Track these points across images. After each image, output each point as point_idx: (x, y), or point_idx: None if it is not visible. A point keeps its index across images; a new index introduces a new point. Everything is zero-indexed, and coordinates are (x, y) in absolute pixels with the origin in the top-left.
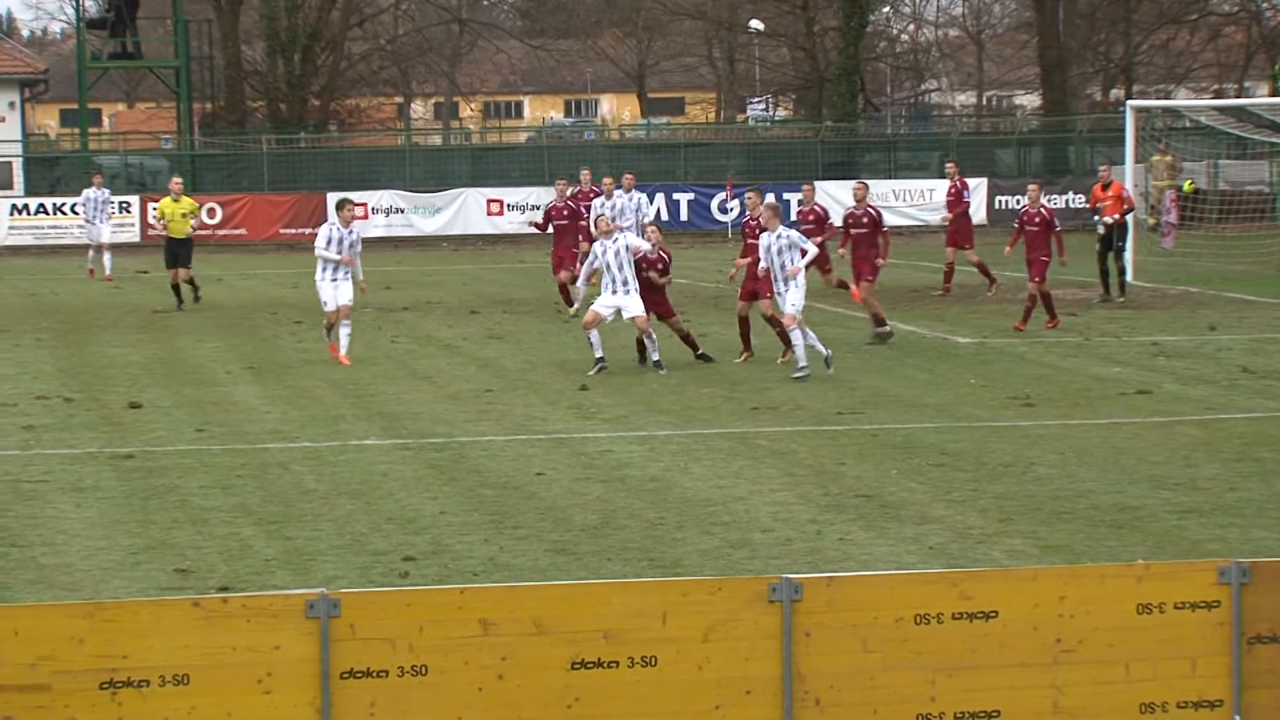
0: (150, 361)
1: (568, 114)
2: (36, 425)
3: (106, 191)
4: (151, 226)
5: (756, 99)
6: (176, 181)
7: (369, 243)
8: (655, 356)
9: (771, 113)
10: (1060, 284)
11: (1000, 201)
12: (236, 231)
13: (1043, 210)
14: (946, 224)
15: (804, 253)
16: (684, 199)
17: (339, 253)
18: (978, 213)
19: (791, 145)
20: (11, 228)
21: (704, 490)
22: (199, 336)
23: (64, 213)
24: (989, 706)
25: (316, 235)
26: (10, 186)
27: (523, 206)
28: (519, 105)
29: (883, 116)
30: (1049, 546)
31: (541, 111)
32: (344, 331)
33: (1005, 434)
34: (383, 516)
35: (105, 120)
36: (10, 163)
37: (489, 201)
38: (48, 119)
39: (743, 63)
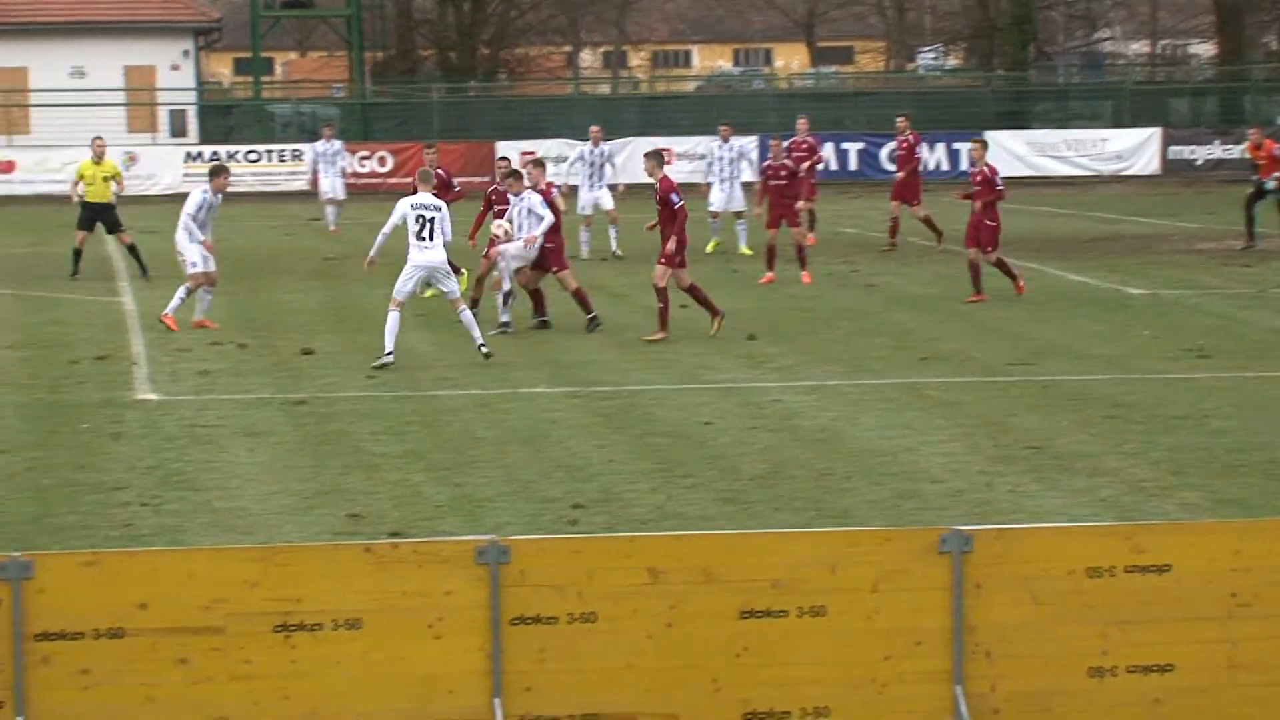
0: (322, 308)
1: (736, 63)
2: (211, 371)
3: (338, 143)
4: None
5: (927, 48)
6: (99, 141)
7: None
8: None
9: (942, 62)
10: (1217, 236)
11: (1174, 152)
12: (406, 180)
13: (985, 169)
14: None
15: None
16: (853, 148)
17: (206, 221)
18: (1150, 164)
19: (961, 95)
20: (186, 175)
21: (873, 440)
22: (371, 284)
23: (237, 160)
24: (1162, 660)
25: (188, 199)
26: (185, 134)
27: (691, 156)
28: (687, 54)
29: (1054, 65)
30: (1223, 500)
31: (710, 61)
32: (209, 298)
33: (1179, 386)
34: (552, 464)
35: (278, 69)
36: (185, 111)
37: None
38: (221, 68)
39: (913, 11)
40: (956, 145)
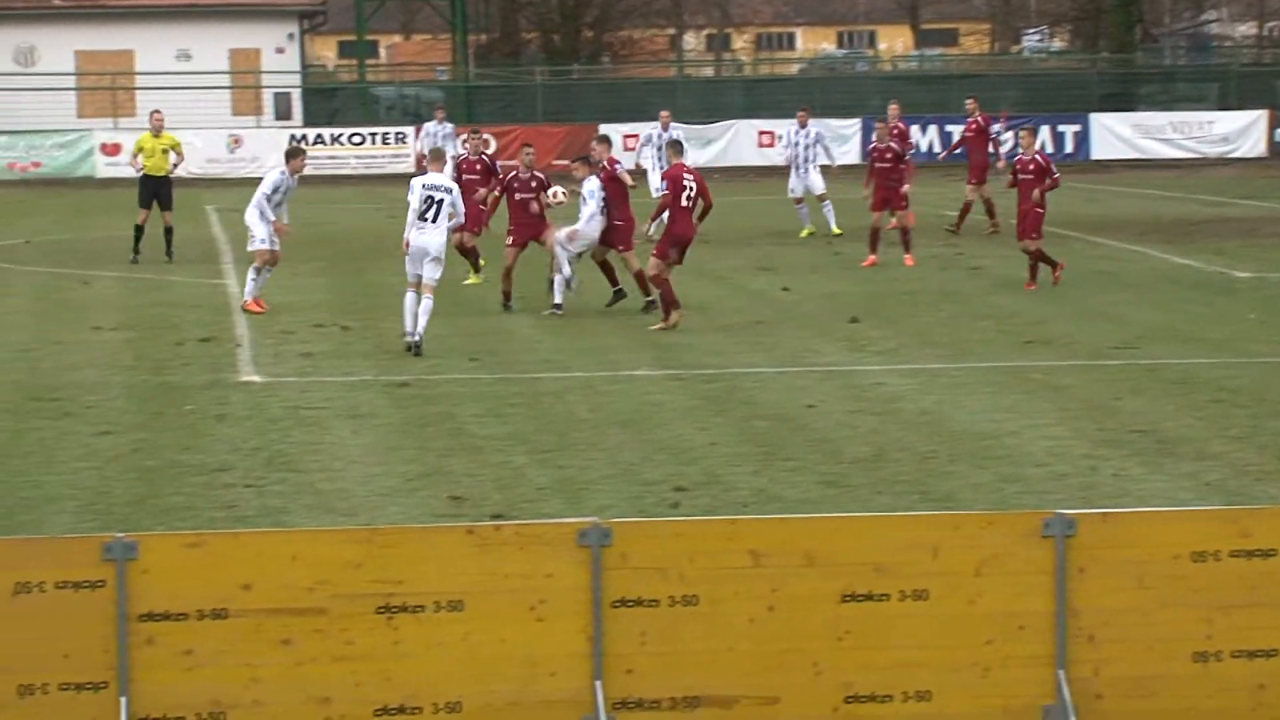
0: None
1: (840, 45)
2: (315, 353)
3: (450, 126)
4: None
5: (1032, 30)
6: (157, 114)
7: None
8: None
9: (1047, 44)
10: None
11: None
12: (510, 163)
13: (1037, 158)
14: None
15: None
16: (957, 131)
17: (280, 202)
18: (1256, 147)
19: (1067, 76)
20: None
21: (977, 424)
22: (471, 266)
23: (341, 143)
24: (1268, 645)
25: (264, 179)
26: (289, 117)
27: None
28: (791, 37)
29: (1161, 47)
30: None
31: (813, 43)
32: (266, 277)
33: None
34: (654, 446)
35: (382, 51)
36: (289, 94)
37: (760, 133)
38: (326, 50)
39: None
40: (1062, 128)
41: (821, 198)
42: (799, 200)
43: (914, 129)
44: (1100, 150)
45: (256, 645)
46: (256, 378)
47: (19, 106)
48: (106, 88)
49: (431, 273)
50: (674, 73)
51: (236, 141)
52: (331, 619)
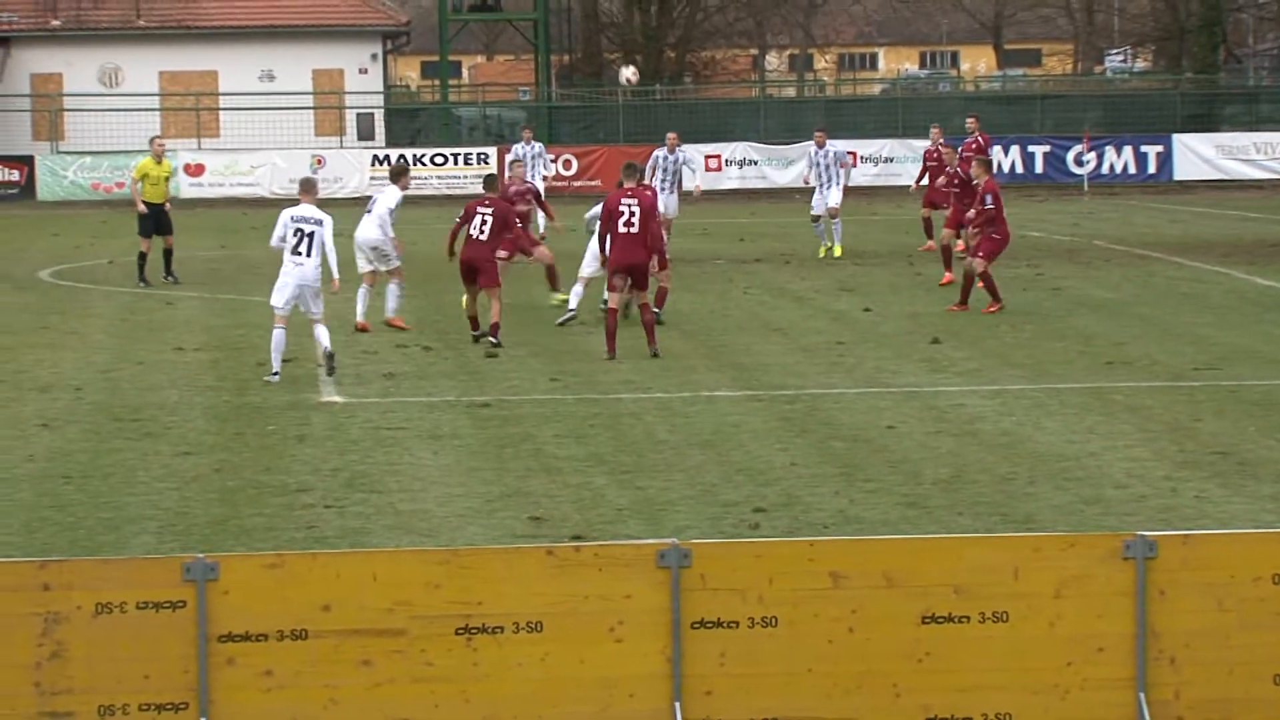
0: (506, 311)
1: (922, 66)
2: (396, 373)
3: (539, 145)
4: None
5: (1115, 50)
6: (159, 141)
7: (723, 194)
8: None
9: (1130, 64)
10: None
11: None
12: (592, 183)
13: (985, 195)
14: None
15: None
16: (1039, 151)
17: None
18: None
19: (1150, 97)
20: (373, 178)
21: (1057, 445)
22: (535, 286)
23: (423, 163)
24: None
25: (381, 199)
26: (372, 137)
27: (875, 159)
28: (873, 57)
29: (1244, 68)
30: None
31: (896, 63)
32: (399, 293)
33: None
34: (734, 467)
35: (465, 72)
36: (372, 114)
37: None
38: (409, 71)
39: (1101, 14)
40: (1144, 149)
41: (833, 214)
42: (816, 219)
43: (995, 149)
44: (1183, 171)
45: (336, 666)
46: (338, 398)
47: (104, 127)
48: (190, 109)
49: (317, 307)
50: (756, 93)
51: (319, 161)
52: (411, 640)
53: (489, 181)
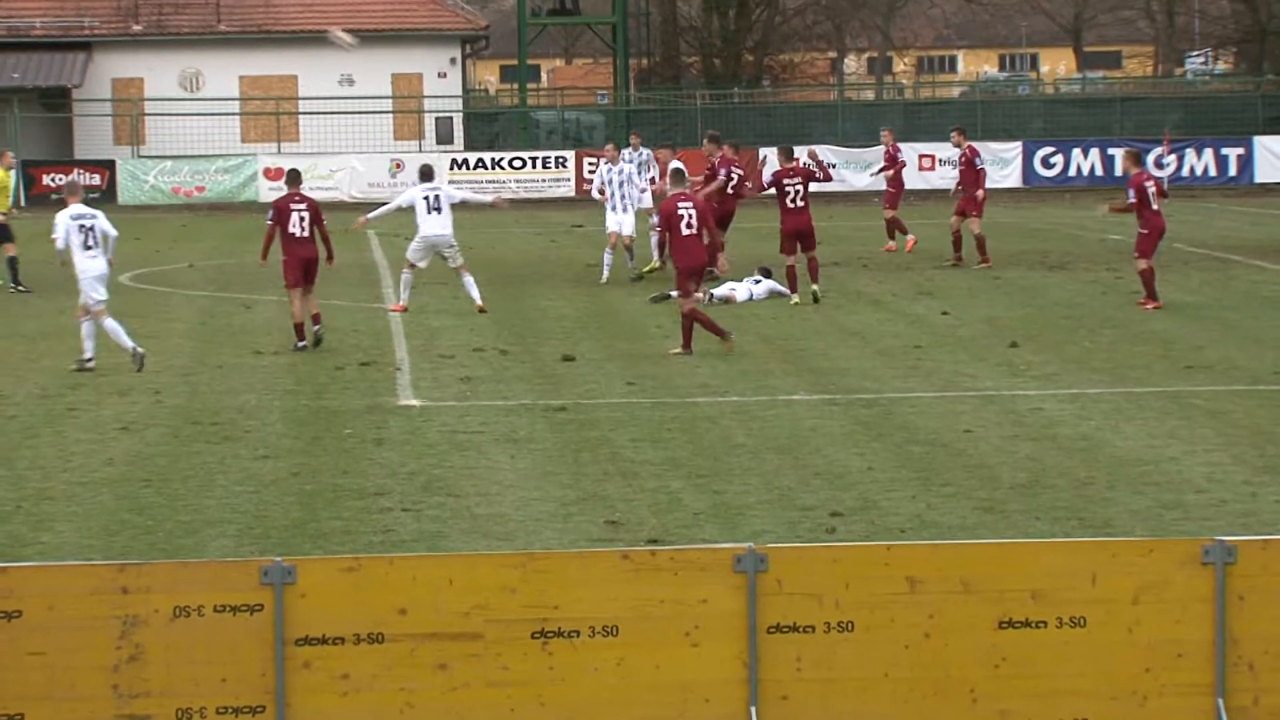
0: (583, 315)
1: (1002, 68)
2: (473, 377)
3: (645, 152)
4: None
5: (1195, 52)
6: (6, 153)
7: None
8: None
9: (1210, 66)
10: None
11: None
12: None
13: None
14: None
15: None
16: (1119, 154)
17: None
18: None
19: (1230, 100)
20: (451, 181)
21: (1135, 450)
22: (632, 292)
23: (501, 167)
24: None
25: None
26: (450, 141)
27: (954, 161)
28: (952, 59)
29: None
30: None
31: (975, 66)
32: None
33: None
34: (810, 472)
35: (544, 76)
36: (451, 118)
37: (920, 157)
38: (488, 75)
39: (1182, 15)
40: (1225, 151)
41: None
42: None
43: (1074, 152)
44: (1264, 173)
45: (412, 670)
46: (415, 402)
47: (184, 131)
48: (270, 113)
49: (104, 294)
50: (834, 96)
51: (398, 165)
52: (487, 644)
53: (293, 176)
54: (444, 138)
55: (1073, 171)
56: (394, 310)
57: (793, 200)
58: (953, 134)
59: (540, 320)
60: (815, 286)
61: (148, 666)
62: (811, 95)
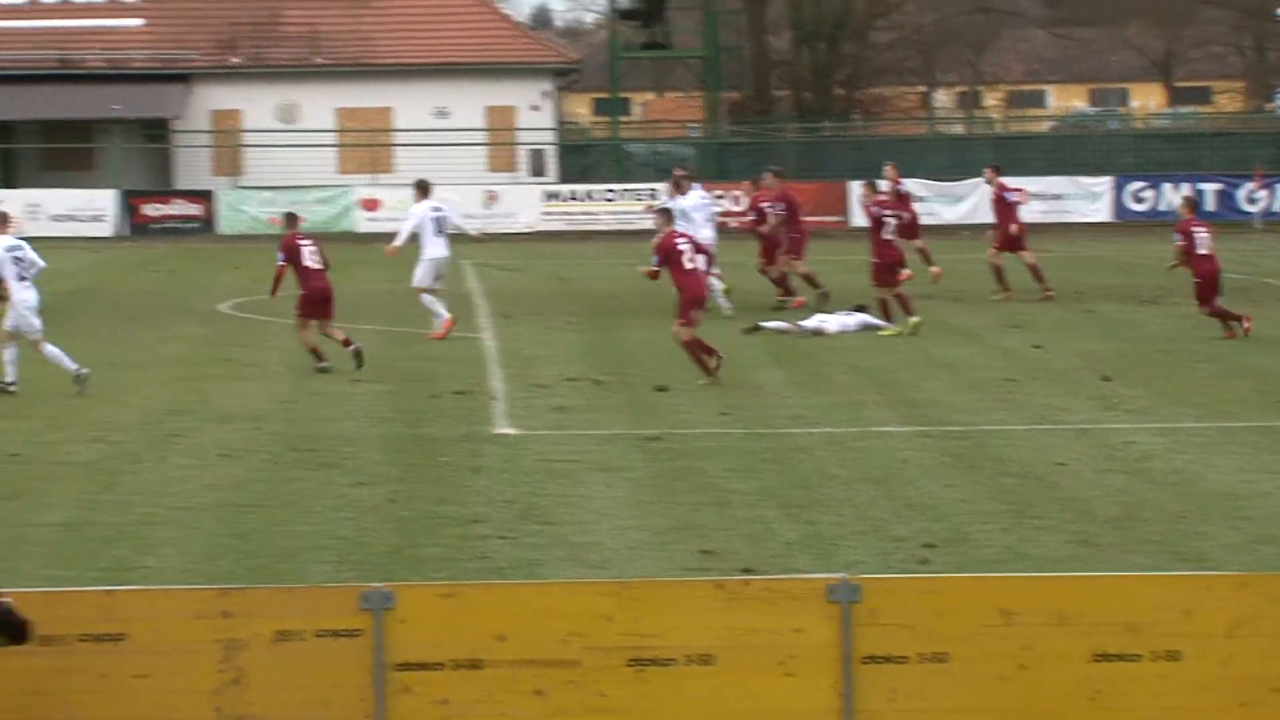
0: (674, 345)
1: (1092, 103)
2: (568, 407)
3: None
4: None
5: None
6: None
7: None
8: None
9: None
10: None
11: None
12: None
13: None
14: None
15: None
16: (1210, 189)
17: None
18: None
19: None
20: (544, 213)
21: (1229, 484)
22: (723, 323)
23: (594, 199)
24: None
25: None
26: (543, 173)
27: (1044, 196)
28: (1042, 94)
29: None
30: None
31: (1065, 100)
32: None
33: None
34: (903, 503)
35: (636, 108)
36: (543, 150)
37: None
38: (580, 107)
39: (1272, 51)
40: None
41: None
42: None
43: (1165, 186)
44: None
45: (510, 696)
46: (511, 430)
47: (282, 162)
48: (366, 144)
49: (40, 323)
50: (924, 130)
51: (491, 197)
52: (584, 671)
53: (291, 219)
54: (537, 169)
55: (1163, 206)
56: (441, 333)
57: (889, 232)
58: (985, 171)
59: (635, 351)
60: (916, 319)
61: (250, 690)
62: (902, 129)
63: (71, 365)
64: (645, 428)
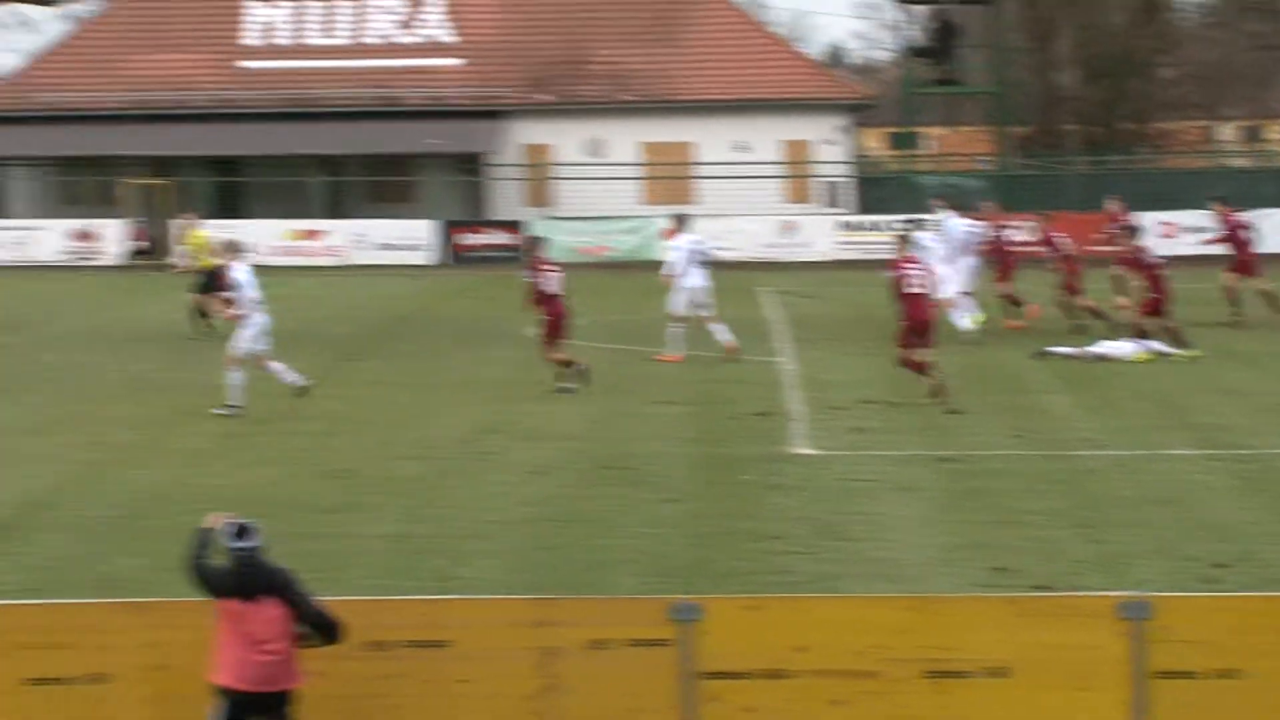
0: (960, 370)
1: None
2: (864, 428)
3: (945, 216)
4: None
5: None
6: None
7: (1176, 261)
8: None
9: None
10: None
11: None
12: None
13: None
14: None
15: None
16: None
17: None
18: None
19: None
20: (839, 243)
21: None
22: (1015, 346)
23: (879, 228)
24: None
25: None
26: (837, 204)
27: None
28: None
29: None
30: None
31: None
32: None
33: None
34: (1193, 523)
35: (930, 142)
36: (838, 182)
37: None
38: (872, 141)
39: None
40: None
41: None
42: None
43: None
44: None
45: (811, 705)
46: (809, 450)
47: (588, 194)
48: (668, 176)
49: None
50: (1207, 162)
51: (788, 227)
52: (881, 681)
53: (534, 241)
54: (832, 200)
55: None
56: (671, 358)
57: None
58: (1213, 204)
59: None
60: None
61: (566, 696)
62: (1186, 162)
63: (296, 378)
64: (939, 448)
